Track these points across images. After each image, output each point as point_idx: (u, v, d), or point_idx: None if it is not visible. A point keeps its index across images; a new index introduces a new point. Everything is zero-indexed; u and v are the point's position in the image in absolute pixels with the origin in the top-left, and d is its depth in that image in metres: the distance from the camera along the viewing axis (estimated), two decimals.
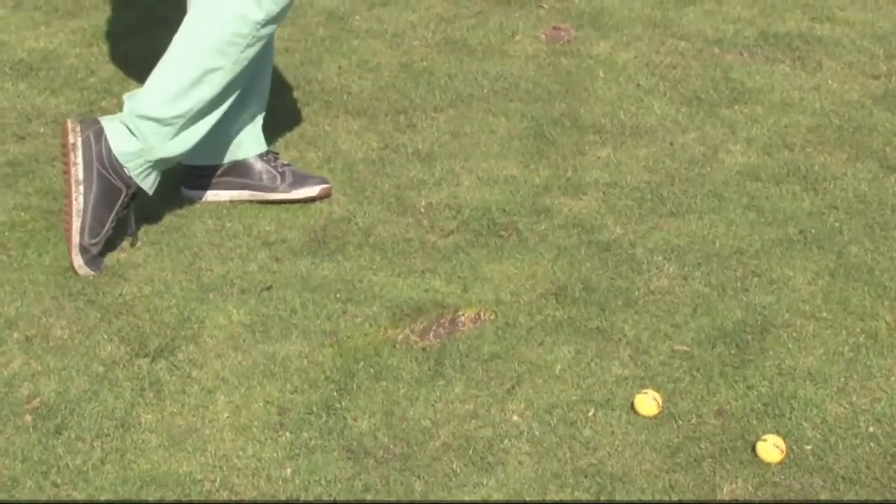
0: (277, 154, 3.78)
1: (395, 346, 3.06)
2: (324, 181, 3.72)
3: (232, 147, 3.70)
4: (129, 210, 3.44)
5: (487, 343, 3.07)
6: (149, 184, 3.43)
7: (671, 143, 3.98)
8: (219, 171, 3.70)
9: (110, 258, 3.39)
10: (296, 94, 4.30)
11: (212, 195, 3.69)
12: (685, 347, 3.05)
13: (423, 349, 3.06)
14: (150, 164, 3.38)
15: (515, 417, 2.82)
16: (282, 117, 4.17)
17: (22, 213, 3.61)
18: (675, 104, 4.23)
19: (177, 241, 3.47)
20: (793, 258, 3.39)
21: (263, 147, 3.74)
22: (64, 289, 3.27)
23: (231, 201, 3.64)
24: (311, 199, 3.64)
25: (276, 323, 3.16)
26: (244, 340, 3.08)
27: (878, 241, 3.47)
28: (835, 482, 2.62)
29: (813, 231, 3.52)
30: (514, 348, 3.05)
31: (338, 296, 3.24)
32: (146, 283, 3.28)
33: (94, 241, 3.33)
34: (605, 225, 3.56)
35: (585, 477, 2.63)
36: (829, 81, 4.38)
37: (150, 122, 3.34)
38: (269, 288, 3.29)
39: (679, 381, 2.93)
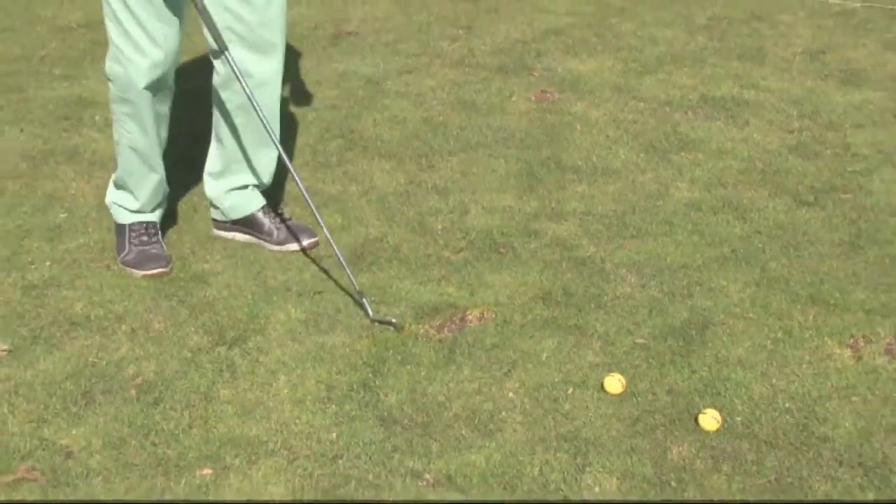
0: (280, 211, 3.67)
1: (417, 338, 3.04)
2: (312, 236, 3.54)
3: (230, 210, 3.57)
4: (149, 236, 3.46)
5: (489, 336, 3.05)
6: (134, 219, 3.46)
7: (632, 181, 3.96)
8: (232, 222, 3.61)
9: (197, 268, 3.39)
10: (341, 142, 4.29)
11: (229, 236, 3.61)
12: (643, 340, 3.03)
13: (440, 340, 3.04)
14: (124, 208, 3.48)
15: (511, 394, 2.81)
16: (330, 159, 4.16)
17: None
18: (636, 151, 4.20)
19: (248, 256, 3.46)
20: (726, 271, 3.37)
21: (259, 205, 3.58)
22: (160, 292, 3.26)
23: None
24: (298, 251, 3.54)
25: (324, 319, 3.14)
26: (300, 333, 3.07)
27: (792, 259, 3.44)
28: (759, 446, 2.60)
29: (742, 251, 3.49)
30: (510, 340, 3.03)
31: (372, 298, 3.21)
32: (224, 288, 3.28)
33: (120, 257, 3.43)
34: (581, 244, 3.54)
35: (565, 441, 2.61)
36: (755, 135, 4.35)
37: (111, 184, 3.54)
38: (319, 292, 3.27)
39: (639, 367, 2.91)
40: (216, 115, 3.50)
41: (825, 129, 4.42)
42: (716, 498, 2.45)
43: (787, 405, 2.76)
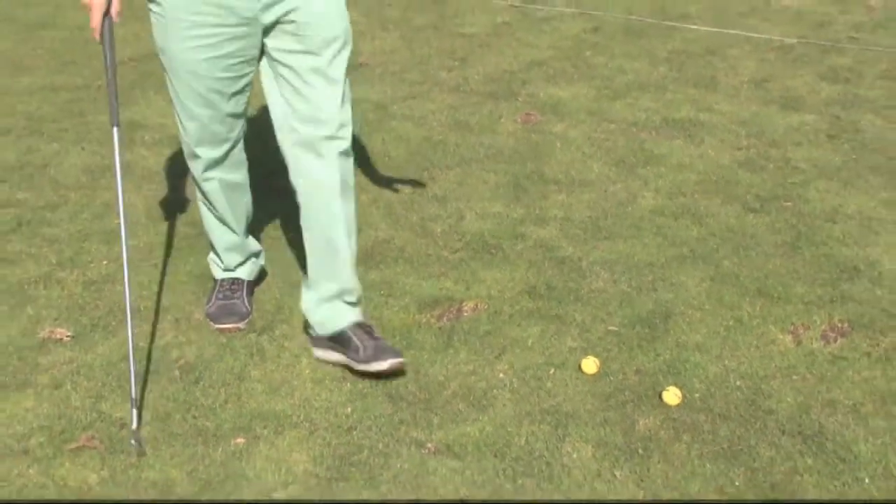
0: (370, 327, 2.88)
1: (420, 326, 3.02)
2: (397, 356, 2.77)
3: (319, 325, 2.87)
4: (232, 291, 3.11)
5: (482, 324, 3.02)
6: (223, 275, 3.13)
7: (605, 191, 3.93)
8: (327, 338, 2.87)
9: None
10: (354, 157, 4.25)
11: (324, 357, 2.86)
12: (615, 328, 3.00)
13: (440, 328, 3.01)
14: (216, 264, 3.15)
15: (501, 375, 2.78)
16: None
17: (171, 237, 3.58)
18: (608, 165, 4.17)
19: (275, 258, 3.43)
20: (686, 269, 3.34)
21: (349, 321, 2.84)
22: (200, 286, 3.23)
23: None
24: (383, 372, 2.76)
25: None
26: None
27: (741, 258, 3.42)
28: (714, 419, 2.58)
29: (699, 251, 3.46)
30: (500, 328, 3.00)
31: (381, 292, 3.19)
32: (254, 283, 3.25)
33: (205, 309, 3.10)
34: (561, 246, 3.51)
35: (548, 415, 2.59)
36: (709, 151, 4.32)
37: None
38: None
39: (610, 351, 2.89)
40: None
41: (769, 146, 4.38)
42: (677, 463, 2.43)
43: (738, 383, 2.74)
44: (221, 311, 3.05)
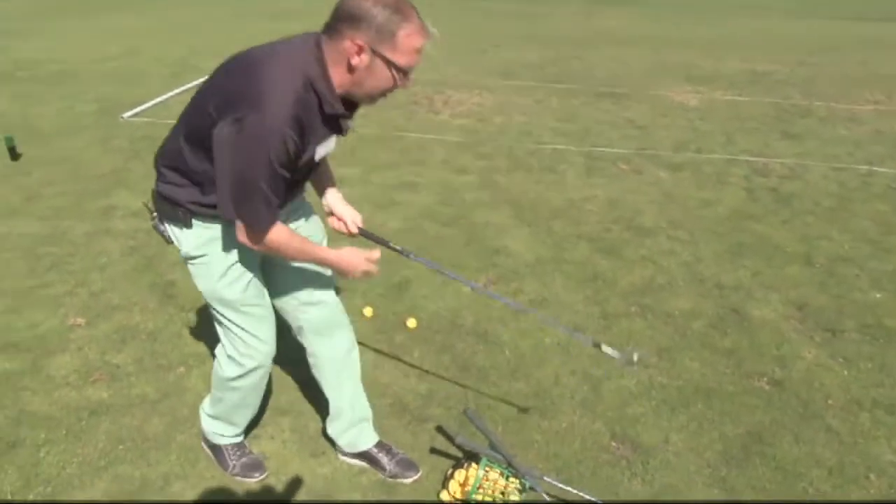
0: (390, 446, 2.95)
1: None
2: (417, 471, 2.92)
3: (346, 447, 2.95)
4: (242, 451, 2.95)
5: None
6: (229, 441, 2.92)
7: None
8: (353, 454, 2.97)
9: None
10: None
11: (350, 460, 3.00)
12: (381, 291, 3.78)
13: None
14: (219, 434, 2.90)
15: None
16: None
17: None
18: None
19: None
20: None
21: (370, 442, 2.93)
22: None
23: None
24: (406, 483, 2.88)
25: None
26: None
27: (440, 251, 4.37)
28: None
29: (430, 250, 4.27)
30: None
31: None
32: None
33: (229, 471, 2.93)
34: None
35: None
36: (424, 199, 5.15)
37: (203, 412, 2.94)
38: None
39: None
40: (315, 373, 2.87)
41: (453, 193, 5.16)
42: None
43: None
44: (247, 468, 2.91)
